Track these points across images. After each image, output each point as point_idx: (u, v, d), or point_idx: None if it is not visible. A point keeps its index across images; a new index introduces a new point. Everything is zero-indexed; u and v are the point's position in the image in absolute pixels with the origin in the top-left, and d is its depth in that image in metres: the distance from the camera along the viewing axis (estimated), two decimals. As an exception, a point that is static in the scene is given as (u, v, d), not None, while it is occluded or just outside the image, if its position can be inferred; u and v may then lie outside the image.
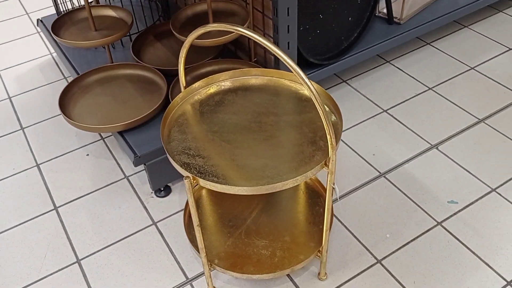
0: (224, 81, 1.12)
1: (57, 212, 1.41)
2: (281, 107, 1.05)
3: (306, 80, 0.83)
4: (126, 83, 1.52)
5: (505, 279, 1.19)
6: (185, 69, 1.52)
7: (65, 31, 1.39)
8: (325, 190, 1.27)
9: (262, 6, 1.39)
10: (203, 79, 1.11)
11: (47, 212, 1.42)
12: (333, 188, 0.95)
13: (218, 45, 1.60)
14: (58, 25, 1.41)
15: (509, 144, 1.53)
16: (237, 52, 1.66)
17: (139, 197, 1.44)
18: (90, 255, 1.30)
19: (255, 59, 1.55)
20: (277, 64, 1.42)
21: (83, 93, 1.49)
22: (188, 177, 0.89)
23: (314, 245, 1.16)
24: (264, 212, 1.24)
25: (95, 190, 1.47)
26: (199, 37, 1.28)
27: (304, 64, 1.55)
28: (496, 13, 2.13)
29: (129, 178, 1.50)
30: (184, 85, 1.08)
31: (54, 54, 2.04)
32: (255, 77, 1.13)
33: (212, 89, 1.11)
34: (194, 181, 0.90)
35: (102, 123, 1.38)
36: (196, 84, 1.10)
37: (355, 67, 1.87)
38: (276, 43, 1.38)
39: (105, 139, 1.64)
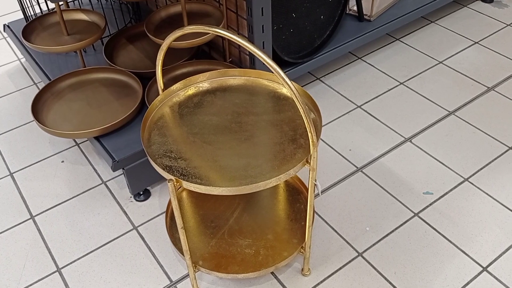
0: (202, 82, 1.12)
1: (34, 221, 1.38)
2: (260, 107, 1.06)
3: (287, 79, 0.84)
4: (100, 87, 1.50)
5: (481, 265, 1.23)
6: (159, 71, 1.51)
7: (36, 37, 1.36)
8: (305, 187, 1.29)
9: (236, 7, 1.39)
10: (181, 81, 1.10)
11: (24, 221, 1.39)
12: (315, 184, 0.97)
13: (193, 47, 1.60)
14: (29, 31, 1.37)
15: (478, 135, 1.58)
16: (211, 53, 1.66)
17: (118, 202, 1.42)
18: (71, 263, 1.28)
19: (230, 59, 1.55)
20: (253, 64, 1.43)
21: (56, 99, 1.46)
22: (171, 180, 0.89)
23: (297, 242, 1.17)
24: (245, 211, 1.25)
25: (73, 197, 1.44)
26: (175, 39, 1.27)
27: (278, 62, 1.57)
28: (460, 8, 2.20)
29: (107, 183, 1.48)
30: (162, 87, 1.07)
31: (23, 60, 1.99)
32: (233, 77, 1.13)
33: (191, 91, 1.11)
34: (178, 184, 0.90)
35: (77, 129, 1.36)
36: (174, 86, 1.09)
37: (328, 65, 1.89)
38: (251, 42, 1.38)
39: (79, 145, 1.61)
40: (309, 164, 0.93)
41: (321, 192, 1.37)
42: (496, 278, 1.20)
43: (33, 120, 1.70)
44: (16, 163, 1.56)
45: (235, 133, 1.00)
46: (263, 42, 1.39)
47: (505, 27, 2.07)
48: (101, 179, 1.49)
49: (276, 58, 1.53)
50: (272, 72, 1.10)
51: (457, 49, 1.96)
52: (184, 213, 1.24)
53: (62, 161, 1.55)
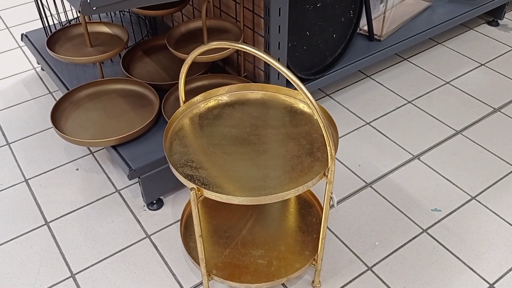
0: (221, 96, 1.16)
1: (49, 227, 1.41)
2: (278, 120, 1.10)
3: (308, 94, 0.88)
4: (118, 98, 1.54)
5: (488, 282, 1.25)
6: (175, 84, 1.55)
7: (60, 47, 1.41)
8: (317, 200, 1.32)
9: (253, 24, 1.44)
10: (202, 94, 1.14)
11: (38, 227, 1.41)
12: (331, 196, 0.99)
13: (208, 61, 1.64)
14: (53, 41, 1.42)
15: (485, 154, 1.62)
16: (226, 68, 1.70)
17: (131, 211, 1.45)
18: (85, 269, 1.30)
19: (245, 74, 1.59)
20: (268, 79, 1.47)
21: (74, 108, 1.49)
22: (193, 188, 0.92)
23: (309, 254, 1.20)
24: (258, 222, 1.27)
25: (87, 205, 1.47)
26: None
27: (291, 79, 1.61)
28: (467, 30, 2.25)
29: (121, 192, 1.51)
30: (184, 99, 1.11)
31: (38, 69, 2.03)
32: (251, 91, 1.17)
33: (211, 103, 1.14)
34: (199, 192, 0.93)
35: (95, 137, 1.39)
36: (195, 99, 1.13)
37: (337, 82, 1.93)
38: (276, 59, 1.43)
39: (94, 154, 1.64)
40: (326, 177, 0.96)
41: (337, 204, 1.39)
42: (503, 295, 1.22)
43: (49, 128, 1.73)
44: (31, 170, 1.59)
45: (253, 145, 1.04)
46: (279, 58, 1.43)
47: (510, 50, 2.12)
48: (115, 187, 1.52)
49: (289, 74, 1.57)
50: (292, 88, 1.14)
51: (463, 70, 2.00)
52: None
53: (77, 169, 1.58)
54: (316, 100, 1.85)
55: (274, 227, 1.26)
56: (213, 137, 1.06)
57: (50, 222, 1.42)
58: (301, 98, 1.14)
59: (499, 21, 2.29)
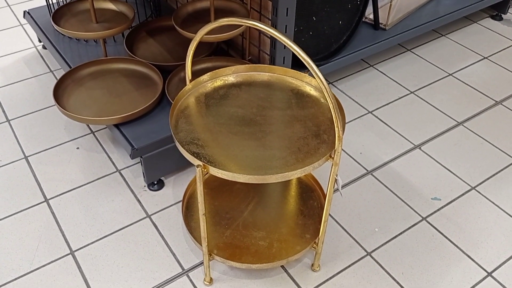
0: (228, 76, 1.15)
1: (48, 204, 1.40)
2: (285, 102, 1.09)
3: (319, 74, 0.87)
4: (120, 77, 1.52)
5: (486, 270, 1.26)
6: (178, 65, 1.54)
7: (65, 22, 1.39)
8: (318, 184, 1.32)
9: (260, 6, 1.43)
10: (208, 73, 1.13)
11: (38, 204, 1.40)
12: (336, 179, 0.99)
13: (211, 43, 1.63)
14: (58, 16, 1.40)
15: (486, 146, 1.62)
16: (229, 51, 1.69)
17: (132, 191, 1.44)
18: (84, 246, 1.29)
19: (250, 57, 1.58)
20: (273, 63, 1.46)
21: (76, 86, 1.48)
22: (199, 165, 0.92)
23: (310, 237, 1.20)
24: (259, 205, 1.27)
25: (87, 183, 1.46)
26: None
27: (296, 64, 1.60)
28: (471, 23, 2.25)
29: (121, 171, 1.50)
30: (190, 78, 1.10)
31: (39, 47, 2.01)
32: (258, 73, 1.17)
33: (217, 83, 1.14)
34: (205, 170, 0.93)
35: (97, 116, 1.38)
36: (202, 78, 1.12)
37: (340, 70, 1.93)
38: (273, 42, 1.42)
39: (95, 133, 1.63)
40: (333, 159, 0.96)
41: (341, 188, 1.39)
42: (500, 284, 1.23)
43: (49, 106, 1.72)
44: (31, 147, 1.58)
45: (259, 125, 1.03)
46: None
47: (513, 44, 2.12)
48: (115, 167, 1.51)
49: (294, 60, 1.57)
50: (301, 70, 1.13)
51: (466, 63, 2.00)
52: (197, 203, 1.27)
53: (77, 148, 1.57)
54: (318, 87, 1.84)
55: (276, 210, 1.26)
56: (219, 117, 1.05)
57: (49, 199, 1.41)
58: (308, 81, 1.14)
59: (502, 15, 2.29)
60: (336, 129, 0.92)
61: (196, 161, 0.93)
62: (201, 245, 1.12)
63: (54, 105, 1.72)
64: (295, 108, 1.08)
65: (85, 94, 1.46)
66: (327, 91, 0.88)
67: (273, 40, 1.42)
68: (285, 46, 1.44)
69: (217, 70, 1.15)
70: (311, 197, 1.29)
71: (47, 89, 1.80)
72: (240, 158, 0.95)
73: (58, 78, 1.46)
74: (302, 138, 1.01)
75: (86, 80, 1.51)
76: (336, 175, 0.99)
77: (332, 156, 0.96)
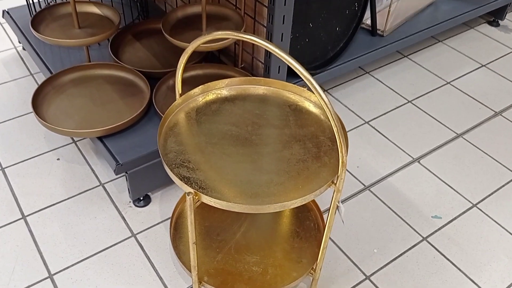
0: (221, 89, 1.07)
1: (26, 222, 1.31)
2: (282, 120, 1.01)
3: (323, 95, 0.79)
4: (105, 84, 1.43)
5: (490, 296, 1.20)
6: (167, 73, 1.45)
7: (45, 27, 1.29)
8: (315, 204, 1.25)
9: (254, 12, 1.35)
10: (200, 86, 1.05)
11: (14, 221, 1.31)
12: (338, 206, 0.92)
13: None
14: (38, 20, 1.30)
15: (486, 160, 1.56)
16: (221, 57, 1.61)
17: (116, 207, 1.35)
18: (64, 269, 1.20)
19: (242, 65, 1.50)
20: (268, 72, 1.38)
21: (57, 94, 1.39)
22: (190, 193, 0.84)
23: (307, 262, 1.12)
24: (253, 225, 1.20)
25: (68, 198, 1.37)
26: (190, 41, 1.22)
27: (291, 72, 1.52)
28: (468, 29, 2.19)
29: (105, 185, 1.41)
30: (180, 92, 1.02)
31: (19, 48, 1.90)
32: (253, 86, 1.08)
33: (209, 97, 1.05)
34: (196, 198, 0.84)
35: (79, 127, 1.29)
36: (193, 91, 1.04)
37: (336, 77, 1.86)
38: (268, 51, 1.34)
39: (77, 143, 1.54)
40: (335, 185, 0.89)
41: (343, 220, 1.32)
42: (505, 310, 1.17)
43: (29, 113, 1.62)
44: (9, 157, 1.47)
45: (255, 146, 0.95)
46: (280, 51, 1.34)
47: (511, 52, 2.07)
48: (98, 180, 1.42)
49: (290, 68, 1.49)
50: (297, 80, 1.06)
51: (464, 70, 1.94)
52: (187, 225, 1.18)
53: (58, 159, 1.48)
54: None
55: (270, 232, 1.18)
56: (212, 136, 0.97)
57: (27, 216, 1.32)
58: (307, 96, 1.06)
59: (500, 21, 2.24)
60: (340, 154, 0.84)
61: (187, 188, 0.85)
62: (191, 273, 1.04)
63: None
64: (293, 127, 1.00)
65: (66, 103, 1.36)
66: (331, 113, 0.80)
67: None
68: (280, 54, 1.36)
69: (209, 83, 1.06)
70: (307, 218, 1.22)
71: (26, 94, 1.69)
72: (235, 183, 0.87)
73: (38, 85, 1.36)
74: (301, 160, 0.93)
75: (67, 87, 1.41)
76: (338, 202, 0.92)
77: (335, 182, 0.89)
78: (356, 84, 1.84)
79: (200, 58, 1.53)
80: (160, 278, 1.19)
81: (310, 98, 1.06)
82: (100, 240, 1.26)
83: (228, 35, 0.83)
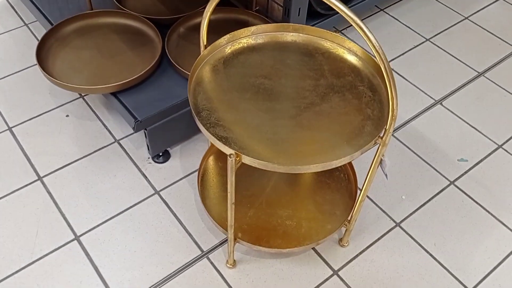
0: (248, 37, 0.99)
1: (43, 183, 1.26)
2: (317, 69, 0.95)
3: (373, 39, 0.73)
4: (111, 34, 1.33)
5: (519, 237, 1.20)
6: (177, 19, 1.35)
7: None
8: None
9: None
10: (225, 36, 0.97)
11: (31, 183, 1.26)
12: (382, 160, 0.88)
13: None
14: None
15: (509, 99, 1.52)
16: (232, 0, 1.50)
17: (135, 164, 1.30)
18: (90, 230, 1.17)
19: (257, 8, 1.40)
20: (287, 15, 1.29)
21: (61, 46, 1.29)
22: (232, 154, 0.79)
23: (340, 213, 1.10)
24: (282, 179, 1.16)
25: (83, 157, 1.31)
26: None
27: (310, 16, 1.43)
28: (484, -42, 2.07)
29: (120, 142, 1.35)
30: (205, 43, 0.94)
31: (9, -4, 1.77)
32: (281, 33, 1.01)
33: (236, 47, 0.98)
34: (237, 159, 0.80)
35: (90, 83, 1.21)
36: (219, 41, 0.96)
37: (350, 16, 1.76)
38: (287, -9, 1.24)
39: (85, 97, 1.46)
40: (382, 139, 0.84)
41: (387, 175, 1.27)
42: (535, 251, 1.18)
43: (29, 67, 1.52)
44: (14, 116, 1.40)
45: (292, 100, 0.89)
46: (302, -9, 1.24)
47: (530, -18, 1.97)
48: (113, 137, 1.36)
49: (308, 10, 1.39)
50: (316, 22, 0.98)
51: (482, 4, 1.85)
52: (215, 181, 1.15)
53: (67, 115, 1.41)
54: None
55: (300, 184, 1.15)
56: (244, 91, 0.90)
57: (43, 177, 1.27)
58: (340, 42, 0.99)
59: None
60: (391, 106, 0.79)
61: (227, 150, 0.80)
62: (225, 230, 1.02)
63: (34, 65, 1.52)
64: (329, 77, 0.94)
65: (72, 56, 1.27)
66: (384, 64, 0.74)
67: (288, -11, 1.24)
68: (300, -5, 1.26)
69: (234, 32, 0.98)
70: (336, 168, 1.18)
71: (23, 46, 1.59)
72: (275, 142, 0.82)
73: (35, 36, 1.26)
74: (342, 114, 0.88)
75: (71, 39, 1.31)
76: (383, 156, 0.88)
77: (382, 136, 0.84)
78: (372, 23, 1.75)
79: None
80: (190, 235, 1.17)
81: (344, 44, 0.99)
82: (123, 198, 1.23)
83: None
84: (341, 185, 1.15)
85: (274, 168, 0.79)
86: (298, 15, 1.30)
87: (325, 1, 0.72)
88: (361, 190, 0.98)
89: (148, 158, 1.31)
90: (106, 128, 1.38)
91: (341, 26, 1.73)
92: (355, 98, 0.90)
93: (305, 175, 1.17)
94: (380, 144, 0.86)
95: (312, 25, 0.99)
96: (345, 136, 0.84)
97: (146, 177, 1.28)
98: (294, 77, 0.93)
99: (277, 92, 0.90)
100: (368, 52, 0.97)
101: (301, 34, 1.00)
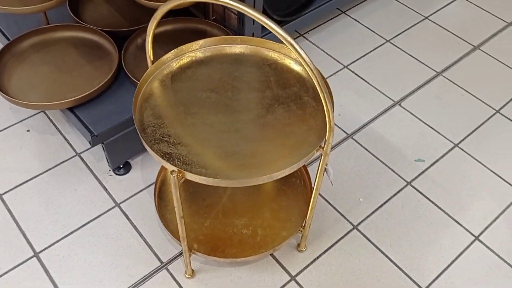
0: (195, 51, 1.00)
1: (2, 200, 1.26)
2: (263, 81, 0.96)
3: (302, 53, 0.75)
4: (68, 48, 1.34)
5: (473, 234, 1.24)
6: (135, 30, 1.36)
7: (-8, -8, 1.17)
8: (300, 159, 1.23)
9: (222, -41, 1.24)
10: (172, 51, 0.98)
11: (-9, 200, 1.26)
12: (326, 169, 0.90)
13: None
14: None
15: (466, 97, 1.56)
16: (190, 8, 1.51)
17: (96, 176, 1.31)
18: (49, 246, 1.18)
19: (214, 17, 1.41)
20: (242, 24, 1.30)
21: (17, 62, 1.29)
22: (174, 171, 0.80)
23: (296, 220, 1.12)
24: (239, 188, 1.18)
25: (44, 172, 1.32)
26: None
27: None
28: (444, -42, 2.10)
29: (81, 155, 1.36)
30: (152, 59, 0.95)
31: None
32: (230, 45, 1.02)
33: (183, 61, 0.99)
34: (180, 175, 0.81)
35: (47, 99, 1.21)
36: (166, 57, 0.97)
37: (311, 20, 1.78)
38: (242, 1, 1.25)
39: (46, 111, 1.46)
40: (323, 149, 0.86)
41: (333, 182, 1.30)
42: (488, 247, 1.21)
43: (-11, 82, 1.51)
44: (-26, 133, 1.40)
45: (238, 112, 0.91)
46: (254, 1, 1.26)
47: (488, -20, 2.01)
48: (74, 150, 1.36)
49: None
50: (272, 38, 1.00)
51: (441, 3, 1.89)
52: (171, 192, 1.16)
53: (28, 130, 1.41)
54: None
55: (257, 193, 1.17)
56: (190, 105, 0.92)
57: (3, 194, 1.27)
58: (287, 53, 1.01)
59: None
60: (327, 118, 0.81)
61: (169, 166, 0.81)
62: (180, 242, 1.03)
63: (-6, 81, 1.51)
64: (275, 88, 0.95)
65: (29, 72, 1.27)
66: (317, 80, 0.76)
67: (241, -1, 1.25)
68: (254, 3, 1.28)
69: (182, 46, 0.99)
70: (293, 175, 1.20)
71: (-17, 61, 1.57)
72: (219, 156, 0.84)
73: (-6, 54, 1.26)
74: (286, 125, 0.89)
75: (28, 54, 1.31)
76: (326, 165, 0.90)
77: (323, 146, 0.86)
78: (333, 26, 1.77)
79: (168, 11, 1.43)
80: (149, 246, 1.18)
81: (290, 55, 1.01)
82: (83, 212, 1.23)
83: (200, -1, 0.76)
84: (297, 191, 1.17)
85: (216, 183, 0.80)
86: (253, 23, 1.31)
87: (261, 23, 0.74)
88: (310, 194, 1.00)
89: (109, 170, 1.32)
90: (67, 142, 1.38)
91: (302, 30, 1.74)
92: (299, 109, 0.92)
93: (262, 184, 1.18)
94: (322, 155, 0.88)
95: (270, 32, 1.00)
96: (288, 147, 0.86)
97: (106, 189, 1.28)
98: (241, 90, 0.95)
99: (224, 106, 0.92)
100: (314, 63, 0.99)
101: (249, 46, 1.02)
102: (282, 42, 0.99)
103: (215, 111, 0.91)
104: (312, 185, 1.18)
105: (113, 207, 1.25)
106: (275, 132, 0.88)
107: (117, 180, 1.30)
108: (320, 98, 0.93)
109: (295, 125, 0.89)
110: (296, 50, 0.74)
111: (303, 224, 1.10)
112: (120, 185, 1.29)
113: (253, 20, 1.31)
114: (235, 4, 0.73)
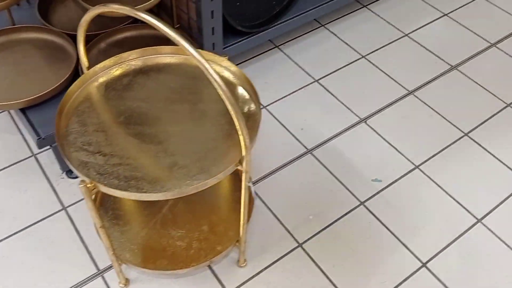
0: (135, 60, 1.00)
1: (-46, 196, 1.27)
2: (197, 94, 0.96)
3: (210, 69, 0.74)
4: (31, 49, 1.35)
5: (420, 261, 1.21)
6: (100, 34, 1.37)
7: None
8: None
9: (182, -32, 1.25)
10: (110, 58, 0.98)
11: None
12: (249, 187, 0.89)
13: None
14: None
15: (435, 118, 1.53)
16: (160, 15, 1.51)
17: (47, 179, 1.32)
18: (-8, 245, 1.19)
19: (178, 25, 1.41)
20: (200, 34, 1.30)
21: (-22, 61, 1.30)
22: (83, 181, 0.80)
23: (233, 234, 1.11)
24: (182, 198, 1.17)
25: (-1, 170, 1.33)
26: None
27: (232, 31, 1.44)
28: (433, -25, 2.07)
29: (37, 156, 1.36)
30: (87, 65, 0.95)
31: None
32: (170, 55, 1.02)
33: (122, 70, 0.99)
34: (92, 186, 0.81)
35: (2, 99, 1.22)
36: (102, 64, 0.97)
37: (289, 32, 1.77)
38: (198, 11, 1.25)
39: (10, 111, 1.47)
40: (242, 165, 0.85)
41: (265, 177, 1.30)
42: (434, 275, 1.18)
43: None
44: None
45: (165, 124, 0.90)
46: (212, 11, 1.25)
47: (476, -1, 1.97)
48: (31, 151, 1.37)
49: (229, 27, 1.40)
50: (238, 38, 0.99)
51: (425, 21, 1.86)
52: (114, 197, 1.16)
53: (-11, 128, 1.42)
54: (263, 53, 1.69)
55: (199, 204, 1.16)
56: (119, 114, 0.91)
57: (-44, 190, 1.28)
58: (227, 65, 1.00)
59: (468, -35, 2.11)
60: (240, 136, 0.80)
61: (81, 176, 0.81)
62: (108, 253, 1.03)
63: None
64: (208, 101, 0.95)
65: (-12, 71, 1.29)
66: (229, 102, 0.75)
67: (198, 9, 1.25)
68: (212, 14, 1.27)
69: (122, 54, 0.99)
70: (238, 188, 1.19)
71: (-43, 57, 1.60)
72: (136, 168, 0.83)
73: (-45, 52, 1.28)
74: (211, 139, 0.88)
75: (-10, 53, 1.33)
76: (249, 182, 0.88)
77: (241, 162, 0.85)
78: (310, 39, 1.76)
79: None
80: (89, 252, 1.18)
81: (230, 68, 1.00)
82: (29, 214, 1.24)
83: (114, 9, 0.76)
84: (239, 205, 1.16)
85: (127, 195, 0.80)
86: (212, 33, 1.31)
87: (176, 43, 0.73)
88: (243, 214, 0.99)
89: (62, 173, 1.33)
90: (26, 142, 1.39)
91: (278, 42, 1.73)
92: (227, 124, 0.91)
93: (205, 195, 1.17)
94: (243, 172, 0.86)
95: (236, 43, 0.99)
96: (207, 163, 0.85)
97: (56, 192, 1.29)
98: (173, 101, 0.94)
99: (151, 116, 0.91)
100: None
101: (188, 57, 1.01)
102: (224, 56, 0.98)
103: (141, 121, 0.90)
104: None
105: (60, 210, 1.25)
106: (198, 146, 0.87)
107: (68, 184, 1.31)
108: (250, 114, 0.92)
109: (220, 140, 0.88)
110: (209, 72, 0.73)
111: (238, 239, 1.09)
112: (70, 188, 1.30)
113: (212, 30, 1.31)
114: (137, 13, 0.73)
